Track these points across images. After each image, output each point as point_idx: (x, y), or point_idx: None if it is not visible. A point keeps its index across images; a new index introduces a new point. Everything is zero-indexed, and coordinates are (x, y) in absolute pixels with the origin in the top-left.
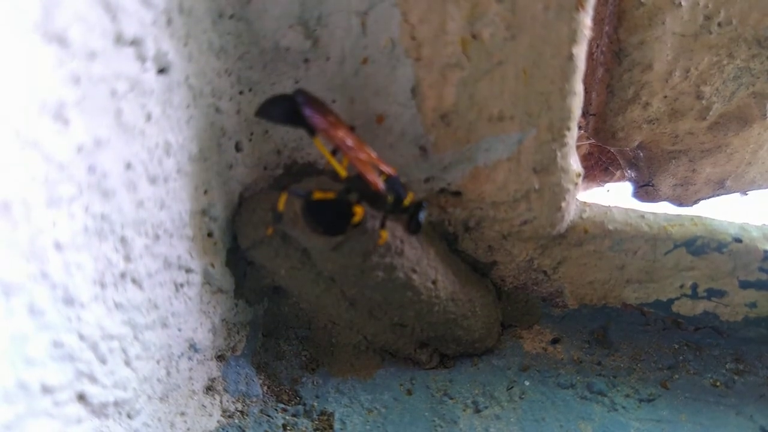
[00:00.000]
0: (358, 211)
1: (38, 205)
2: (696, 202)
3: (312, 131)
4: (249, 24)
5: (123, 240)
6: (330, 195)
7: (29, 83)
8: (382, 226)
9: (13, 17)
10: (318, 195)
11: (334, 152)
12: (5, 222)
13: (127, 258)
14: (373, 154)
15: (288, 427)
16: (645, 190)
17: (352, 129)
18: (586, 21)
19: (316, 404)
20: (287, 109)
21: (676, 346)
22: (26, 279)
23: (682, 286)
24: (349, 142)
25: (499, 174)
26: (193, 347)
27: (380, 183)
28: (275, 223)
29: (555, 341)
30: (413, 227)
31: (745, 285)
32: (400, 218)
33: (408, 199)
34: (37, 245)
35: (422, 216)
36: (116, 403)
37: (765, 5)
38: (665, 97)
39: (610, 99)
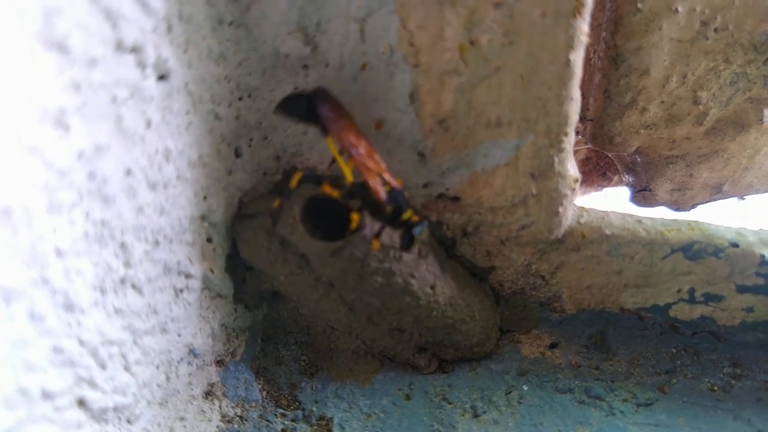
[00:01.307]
0: (354, 217)
1: (39, 211)
2: (693, 206)
3: (326, 130)
4: (248, 31)
5: (123, 246)
6: (336, 194)
7: (30, 90)
8: (377, 235)
9: (14, 24)
10: (327, 188)
11: (342, 153)
12: (6, 228)
13: (127, 264)
14: (382, 165)
15: None
16: (642, 194)
17: (363, 135)
18: (583, 27)
19: (315, 409)
20: (305, 107)
21: (674, 351)
22: (27, 285)
23: (679, 291)
24: (360, 148)
25: (497, 179)
26: (192, 352)
27: (382, 192)
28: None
29: (553, 346)
30: (404, 243)
31: (742, 289)
32: (395, 231)
33: (407, 215)
34: (37, 251)
35: (417, 231)
36: (116, 409)
37: (760, 11)
38: (662, 102)
39: (608, 104)
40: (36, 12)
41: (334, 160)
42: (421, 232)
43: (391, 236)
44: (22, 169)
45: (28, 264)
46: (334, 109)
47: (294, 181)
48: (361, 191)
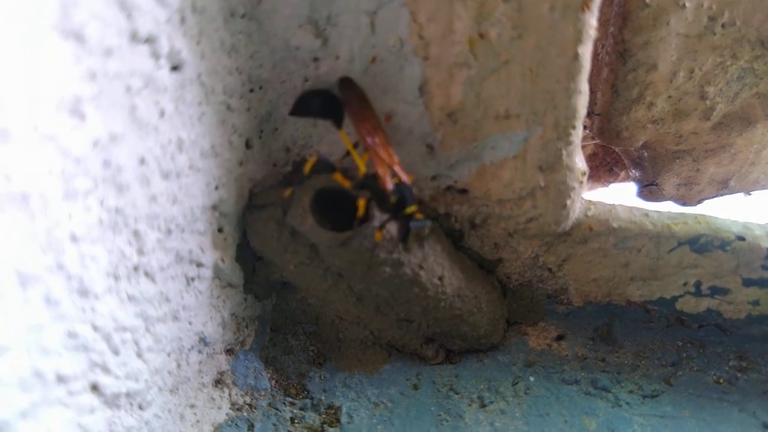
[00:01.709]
0: (361, 203)
1: (55, 198)
2: (700, 201)
3: (339, 123)
4: (260, 23)
5: (136, 233)
6: (348, 184)
7: (47, 79)
8: (382, 226)
9: (32, 15)
10: (339, 177)
11: (356, 146)
12: (23, 214)
13: (140, 251)
14: (395, 158)
15: (296, 421)
16: (649, 189)
17: (380, 127)
18: (592, 21)
19: (323, 398)
20: (319, 103)
21: (680, 344)
22: (43, 270)
23: (685, 284)
24: (376, 138)
25: (505, 172)
26: (203, 341)
27: (389, 183)
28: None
29: (560, 338)
30: (401, 235)
31: (748, 283)
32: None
33: (411, 209)
34: (53, 237)
35: (413, 225)
36: (128, 394)
37: None
38: (669, 97)
39: (615, 99)
40: (54, 2)
41: (347, 153)
42: (421, 227)
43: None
44: (39, 156)
45: (44, 249)
46: (356, 97)
47: (308, 167)
48: (372, 183)
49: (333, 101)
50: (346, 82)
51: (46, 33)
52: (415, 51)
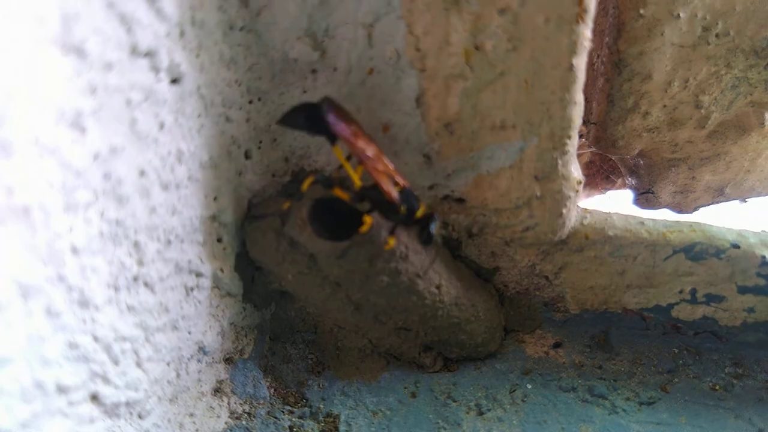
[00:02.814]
0: (368, 220)
1: (56, 210)
2: (696, 209)
3: (333, 139)
4: (258, 36)
5: (136, 245)
6: (346, 196)
7: (48, 93)
8: (392, 233)
9: (34, 30)
10: (338, 192)
11: (348, 159)
12: (25, 226)
13: (140, 262)
14: (390, 166)
15: (294, 429)
16: (645, 197)
17: (371, 139)
18: (586, 33)
19: (322, 406)
20: (310, 117)
21: (676, 351)
22: (44, 282)
23: (681, 292)
24: (369, 152)
25: (502, 181)
26: (202, 350)
27: (395, 193)
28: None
29: (557, 345)
30: (425, 238)
31: (743, 290)
32: (410, 229)
33: (420, 211)
34: (54, 249)
35: (433, 227)
36: (128, 404)
37: (761, 16)
38: (664, 106)
39: (611, 108)
40: (55, 17)
41: (341, 167)
42: (436, 222)
43: (397, 235)
44: (41, 169)
45: (45, 261)
46: (342, 116)
47: (305, 186)
48: (370, 194)
49: (319, 117)
50: (327, 103)
51: (48, 47)
52: (411, 63)
